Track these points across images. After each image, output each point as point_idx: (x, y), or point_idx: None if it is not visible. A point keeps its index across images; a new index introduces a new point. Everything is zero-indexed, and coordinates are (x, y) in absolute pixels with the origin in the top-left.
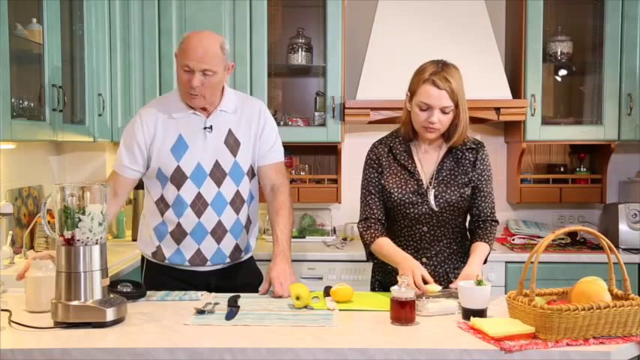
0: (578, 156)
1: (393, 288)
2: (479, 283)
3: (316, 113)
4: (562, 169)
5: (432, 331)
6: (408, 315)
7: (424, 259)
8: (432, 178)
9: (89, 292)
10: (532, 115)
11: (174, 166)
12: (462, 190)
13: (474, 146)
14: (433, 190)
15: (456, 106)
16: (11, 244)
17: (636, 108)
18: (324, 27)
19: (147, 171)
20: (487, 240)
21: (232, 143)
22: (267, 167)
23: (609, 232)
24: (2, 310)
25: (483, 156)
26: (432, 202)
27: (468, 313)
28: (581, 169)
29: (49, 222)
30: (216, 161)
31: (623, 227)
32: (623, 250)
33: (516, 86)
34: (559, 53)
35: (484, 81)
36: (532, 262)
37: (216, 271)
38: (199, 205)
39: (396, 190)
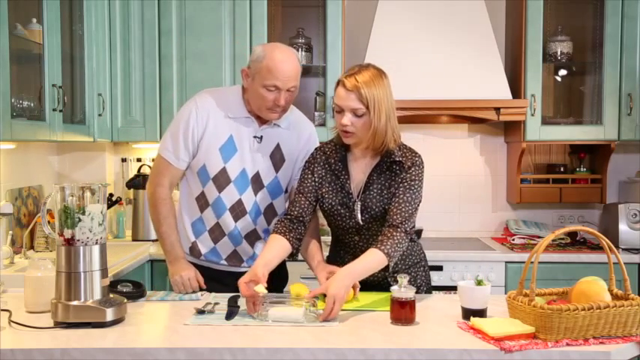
0: (578, 156)
1: (393, 288)
2: (479, 283)
3: (316, 113)
4: (562, 169)
5: (432, 331)
6: (408, 315)
7: None
8: (359, 191)
9: (89, 292)
10: (532, 115)
11: (220, 167)
12: (387, 204)
13: (401, 159)
14: (360, 204)
15: (368, 108)
16: (11, 244)
17: (636, 108)
18: (324, 27)
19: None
20: (382, 247)
21: (278, 159)
22: None
23: (609, 232)
24: (2, 310)
25: (410, 164)
26: (359, 215)
27: (468, 313)
28: (581, 169)
29: (49, 222)
30: (257, 172)
31: (623, 227)
32: (623, 250)
33: (516, 86)
34: (559, 53)
35: (484, 81)
36: (532, 262)
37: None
38: (238, 211)
39: (327, 199)
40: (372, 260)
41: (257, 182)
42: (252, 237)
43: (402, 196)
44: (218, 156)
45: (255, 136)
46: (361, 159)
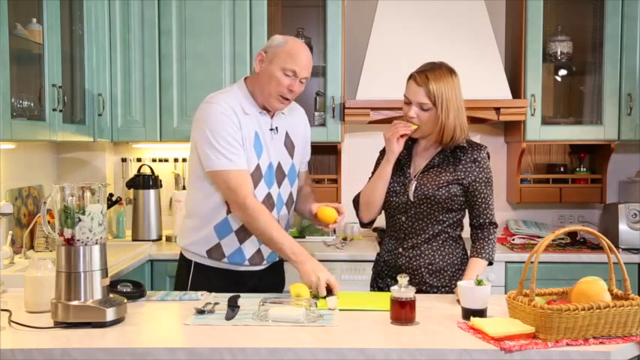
0: (578, 156)
1: (393, 288)
2: (479, 283)
3: (316, 113)
4: (562, 169)
5: (432, 331)
6: (408, 315)
7: (400, 250)
8: (417, 173)
9: (89, 292)
10: (532, 115)
11: (254, 164)
12: (442, 185)
13: (465, 145)
14: (415, 182)
15: (434, 104)
16: (11, 244)
17: (636, 108)
18: (324, 27)
19: None
20: (483, 254)
21: (289, 145)
22: (302, 173)
23: (609, 232)
24: (2, 310)
25: (479, 158)
26: (411, 192)
27: (468, 313)
28: (581, 169)
29: (49, 222)
30: (279, 163)
31: (623, 227)
32: (623, 250)
33: (516, 86)
34: (559, 53)
35: (484, 81)
36: (532, 262)
37: (266, 270)
38: (268, 205)
39: None
40: (477, 268)
41: (280, 173)
42: None
43: (484, 190)
44: (253, 153)
45: (271, 129)
46: (427, 149)
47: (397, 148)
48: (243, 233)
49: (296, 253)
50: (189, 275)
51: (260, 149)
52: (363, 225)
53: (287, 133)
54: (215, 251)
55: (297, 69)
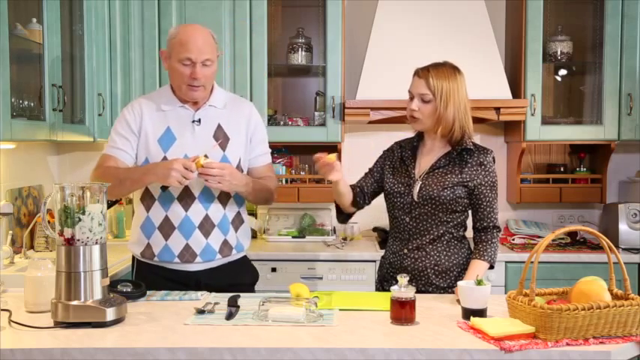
0: (578, 156)
1: (393, 288)
2: (479, 283)
3: (316, 113)
4: (562, 169)
5: (432, 331)
6: (408, 315)
7: (405, 251)
8: (422, 174)
9: (89, 292)
10: (532, 114)
11: (160, 157)
12: (447, 186)
13: (472, 147)
14: (420, 183)
15: (434, 95)
16: (11, 243)
17: (636, 108)
18: (324, 27)
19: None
20: (484, 256)
21: (222, 138)
22: (259, 168)
23: (609, 232)
24: (2, 310)
25: (485, 162)
26: (415, 192)
27: (467, 313)
28: (581, 169)
29: (49, 222)
30: (205, 155)
31: (623, 227)
32: (623, 250)
33: (516, 86)
34: (559, 53)
35: (484, 81)
36: (532, 262)
37: (207, 270)
38: (186, 198)
39: (390, 179)
40: (478, 269)
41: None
42: (207, 226)
43: (489, 193)
44: (157, 147)
45: (193, 120)
46: (432, 150)
47: (336, 176)
48: (167, 229)
49: (143, 173)
50: (133, 274)
51: (169, 142)
52: (340, 219)
53: (219, 126)
54: (147, 251)
55: (192, 55)
